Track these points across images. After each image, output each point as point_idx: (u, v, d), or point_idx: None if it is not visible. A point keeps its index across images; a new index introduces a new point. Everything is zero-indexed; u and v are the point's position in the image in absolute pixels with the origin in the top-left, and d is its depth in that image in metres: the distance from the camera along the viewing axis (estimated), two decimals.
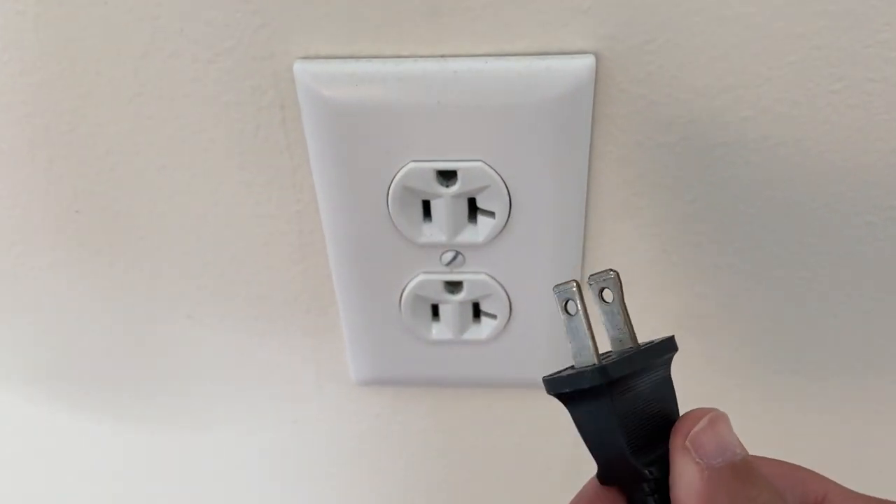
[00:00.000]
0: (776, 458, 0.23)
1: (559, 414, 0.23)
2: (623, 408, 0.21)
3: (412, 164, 0.29)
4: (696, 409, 0.21)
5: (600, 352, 0.22)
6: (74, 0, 0.28)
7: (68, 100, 0.30)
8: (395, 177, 0.30)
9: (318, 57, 0.28)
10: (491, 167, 0.29)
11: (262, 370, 0.39)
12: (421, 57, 0.28)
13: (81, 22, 0.28)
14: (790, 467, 0.22)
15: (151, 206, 0.33)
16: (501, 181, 0.30)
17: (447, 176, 0.30)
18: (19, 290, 0.36)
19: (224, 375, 0.39)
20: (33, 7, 0.28)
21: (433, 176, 0.29)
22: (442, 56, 0.28)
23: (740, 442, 0.20)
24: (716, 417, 0.20)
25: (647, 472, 0.21)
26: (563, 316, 0.22)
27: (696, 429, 0.20)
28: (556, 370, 0.23)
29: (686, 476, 0.19)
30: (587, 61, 0.27)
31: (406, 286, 0.33)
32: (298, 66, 0.28)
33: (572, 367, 0.22)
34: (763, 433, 0.34)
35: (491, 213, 0.31)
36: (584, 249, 0.33)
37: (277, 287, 0.35)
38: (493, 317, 0.34)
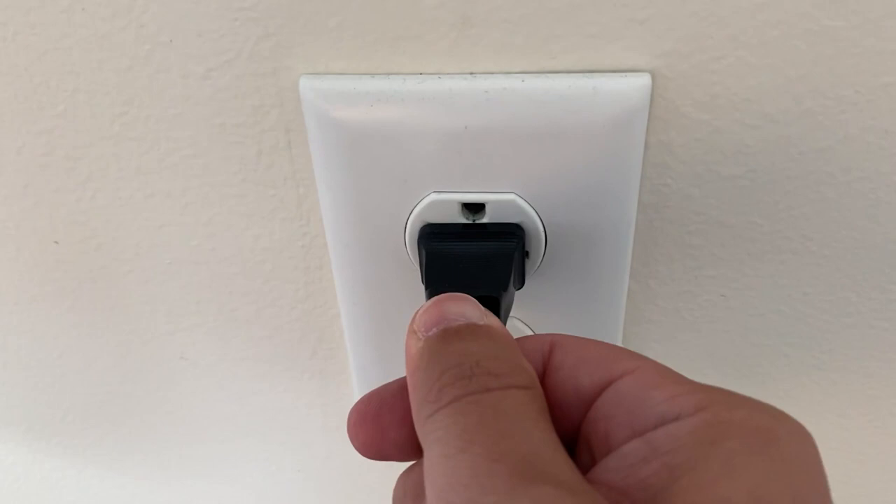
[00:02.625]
0: None
1: None
2: (432, 252, 0.25)
3: (434, 196, 0.26)
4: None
5: None
6: (48, 6, 0.24)
7: (44, 120, 0.27)
8: (413, 209, 0.26)
9: (327, 73, 0.25)
10: (525, 200, 0.26)
11: (263, 416, 0.35)
12: (447, 74, 0.25)
13: (56, 31, 0.25)
14: (598, 346, 0.19)
15: (139, 238, 0.29)
16: (537, 217, 0.26)
17: (474, 209, 0.26)
18: None
19: (222, 421, 0.36)
20: (0, 14, 0.24)
21: (458, 209, 0.26)
22: (471, 73, 0.24)
23: (478, 314, 0.20)
24: (442, 297, 0.20)
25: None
26: None
27: (419, 311, 0.20)
28: None
29: (406, 352, 0.19)
30: (642, 81, 0.24)
31: None
32: (305, 83, 0.25)
33: None
34: None
35: (524, 253, 0.27)
36: (630, 294, 0.29)
37: (280, 328, 0.32)
38: None
